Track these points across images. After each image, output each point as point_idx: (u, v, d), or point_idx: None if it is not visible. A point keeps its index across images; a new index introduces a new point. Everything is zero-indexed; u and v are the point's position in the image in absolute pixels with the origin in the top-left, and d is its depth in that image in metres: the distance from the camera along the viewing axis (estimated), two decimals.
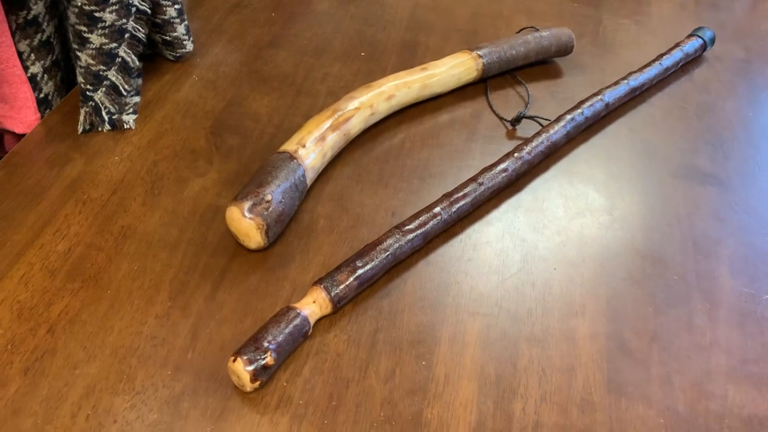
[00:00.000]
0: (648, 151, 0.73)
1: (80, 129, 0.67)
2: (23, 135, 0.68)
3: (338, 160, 0.68)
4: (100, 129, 0.67)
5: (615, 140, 0.75)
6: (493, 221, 0.64)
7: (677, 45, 0.85)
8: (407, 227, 0.59)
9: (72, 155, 0.65)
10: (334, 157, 0.68)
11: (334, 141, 0.66)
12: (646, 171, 0.71)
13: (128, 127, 0.68)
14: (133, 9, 0.65)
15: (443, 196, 0.62)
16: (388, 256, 0.57)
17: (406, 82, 0.73)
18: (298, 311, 0.51)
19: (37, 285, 0.54)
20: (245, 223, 0.56)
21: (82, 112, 0.67)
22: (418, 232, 0.59)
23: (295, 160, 0.61)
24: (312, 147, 0.63)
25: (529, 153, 0.68)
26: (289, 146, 0.62)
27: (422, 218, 0.60)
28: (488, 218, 0.65)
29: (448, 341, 0.54)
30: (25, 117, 0.67)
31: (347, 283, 0.54)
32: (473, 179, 0.64)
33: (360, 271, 0.55)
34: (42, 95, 0.68)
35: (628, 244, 0.64)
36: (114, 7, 0.63)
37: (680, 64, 0.84)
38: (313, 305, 0.53)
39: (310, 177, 0.62)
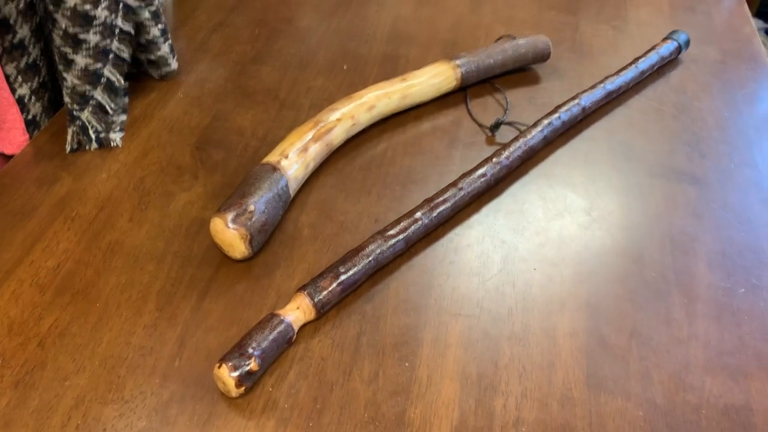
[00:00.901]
0: (625, 153, 0.75)
1: (68, 148, 0.69)
2: (12, 156, 0.69)
3: (322, 170, 0.70)
4: (87, 147, 0.69)
5: (593, 143, 0.76)
6: (474, 224, 0.66)
7: (653, 48, 0.87)
8: (389, 233, 0.60)
9: (60, 174, 0.67)
10: (318, 167, 0.69)
11: (316, 151, 0.67)
12: (624, 172, 0.73)
13: (115, 144, 0.70)
14: (117, 30, 0.67)
15: (424, 201, 0.64)
16: (370, 261, 0.58)
17: (387, 93, 0.75)
18: (282, 318, 0.53)
19: (27, 300, 0.56)
20: (229, 234, 0.57)
21: (70, 131, 0.69)
22: (400, 237, 0.60)
23: (278, 171, 0.62)
24: (295, 158, 0.64)
25: (507, 158, 0.69)
26: (272, 158, 0.64)
27: (403, 224, 0.61)
28: (469, 222, 0.66)
29: (431, 342, 0.55)
30: (13, 138, 0.69)
31: (330, 288, 0.55)
32: (453, 184, 0.66)
33: (343, 277, 0.56)
34: (30, 116, 0.70)
35: (607, 244, 0.65)
36: (97, 29, 0.64)
37: (656, 66, 0.86)
38: (297, 311, 0.54)
39: (293, 187, 0.64)
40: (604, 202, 0.69)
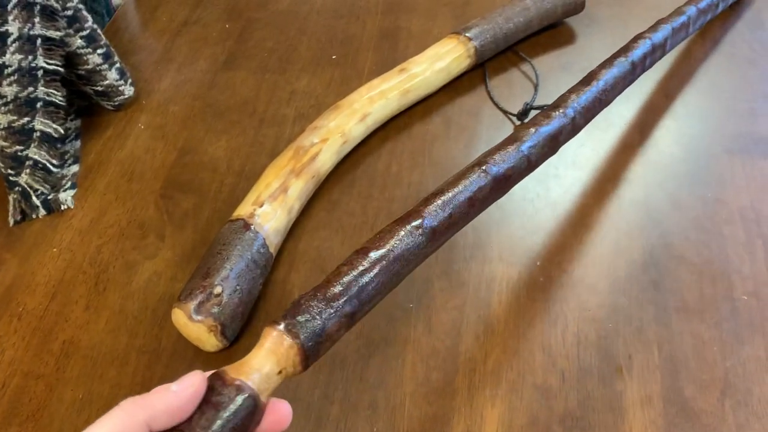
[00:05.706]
0: (690, 122, 0.59)
1: (11, 221, 0.58)
2: None
3: (311, 206, 0.57)
4: (34, 216, 0.58)
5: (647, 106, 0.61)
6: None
7: None
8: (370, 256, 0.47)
9: (3, 256, 0.56)
10: (307, 204, 0.56)
11: (300, 189, 0.54)
12: (690, 147, 0.57)
13: (66, 207, 0.58)
14: (40, 73, 0.55)
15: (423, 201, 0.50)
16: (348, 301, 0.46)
17: (382, 92, 0.61)
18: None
19: None
20: (194, 328, 0.46)
21: (10, 200, 0.58)
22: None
23: (250, 229, 0.50)
24: (272, 205, 0.52)
25: (498, 165, 0.54)
26: (243, 210, 0.51)
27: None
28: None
29: None
30: None
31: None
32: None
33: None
34: None
35: (676, 256, 0.51)
36: (12, 78, 0.52)
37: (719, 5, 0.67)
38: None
39: (274, 243, 0.52)
40: (663, 196, 0.54)
